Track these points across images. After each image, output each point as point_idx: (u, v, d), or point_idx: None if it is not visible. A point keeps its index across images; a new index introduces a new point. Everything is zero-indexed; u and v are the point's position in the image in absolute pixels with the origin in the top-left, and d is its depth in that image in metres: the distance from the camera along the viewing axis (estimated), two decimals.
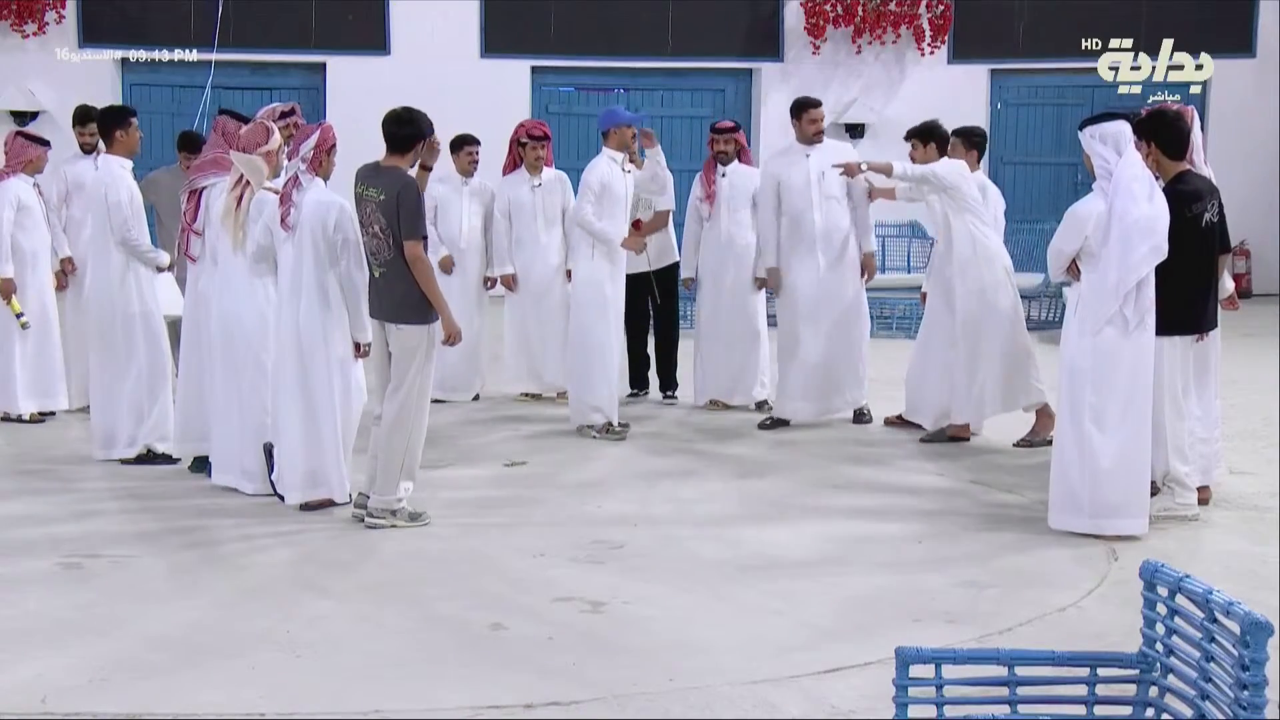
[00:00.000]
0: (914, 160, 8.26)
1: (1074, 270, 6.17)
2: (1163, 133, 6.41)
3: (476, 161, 9.61)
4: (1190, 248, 6.24)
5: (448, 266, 9.29)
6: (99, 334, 7.53)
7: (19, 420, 8.58)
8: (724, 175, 9.15)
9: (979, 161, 8.45)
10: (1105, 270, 5.98)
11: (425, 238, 6.16)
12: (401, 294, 6.12)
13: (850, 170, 8.38)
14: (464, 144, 9.63)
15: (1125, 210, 5.94)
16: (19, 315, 8.49)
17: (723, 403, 9.25)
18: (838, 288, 8.59)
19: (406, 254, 6.07)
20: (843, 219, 8.57)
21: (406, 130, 6.20)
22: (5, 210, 8.46)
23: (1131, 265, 5.94)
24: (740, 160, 9.22)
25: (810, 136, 8.65)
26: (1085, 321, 6.05)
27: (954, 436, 8.22)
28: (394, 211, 6.05)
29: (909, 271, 14.13)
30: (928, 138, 8.28)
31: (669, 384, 9.63)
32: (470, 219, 9.55)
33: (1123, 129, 6.05)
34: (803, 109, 8.73)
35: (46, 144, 8.82)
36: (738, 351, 9.17)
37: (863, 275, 8.67)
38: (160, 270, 7.66)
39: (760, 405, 9.20)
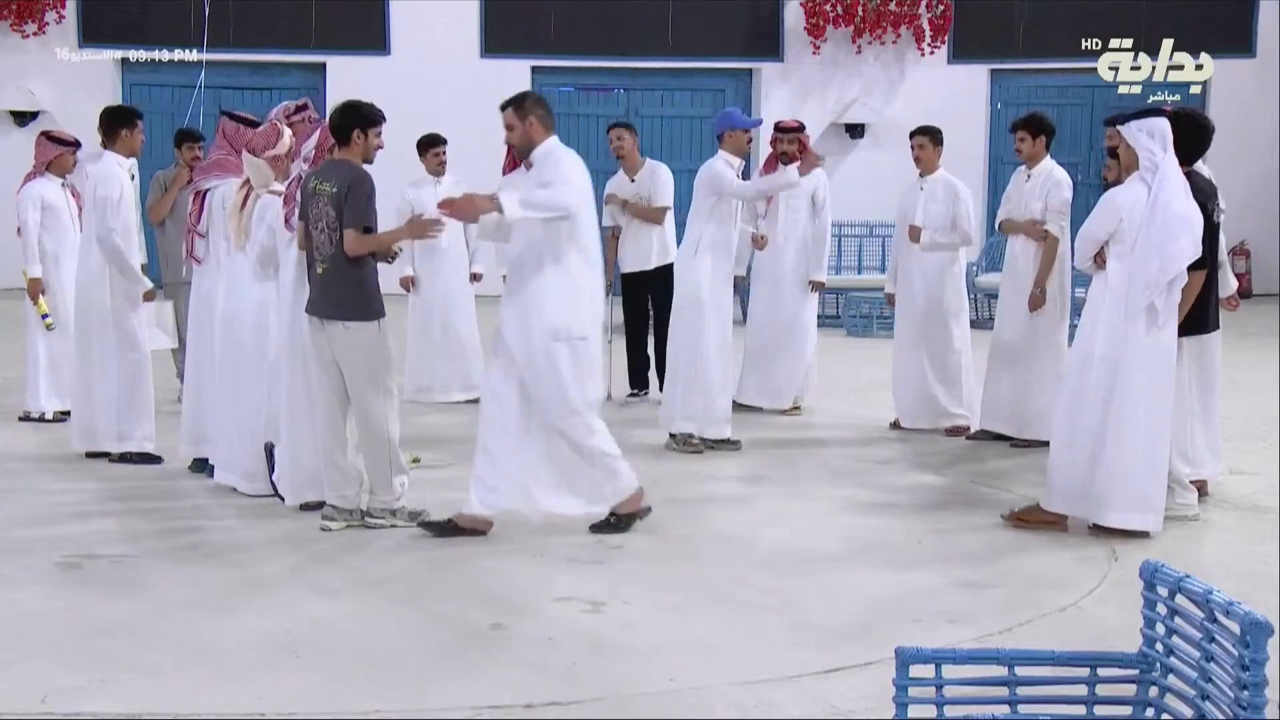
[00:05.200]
0: (1020, 152, 8.18)
1: (1099, 261, 6.14)
2: (1190, 134, 6.34)
3: (444, 162, 9.61)
4: (1213, 248, 6.32)
5: (406, 285, 9.42)
6: (78, 329, 7.54)
7: (40, 419, 8.61)
8: None
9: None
10: (1146, 258, 5.92)
11: (368, 229, 5.97)
12: (345, 290, 6.00)
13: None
14: (430, 145, 9.63)
15: (1170, 200, 5.92)
16: (44, 316, 8.48)
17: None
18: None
19: (345, 242, 5.94)
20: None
21: (340, 121, 6.13)
22: (30, 211, 8.43)
23: (1173, 255, 5.90)
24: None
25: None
26: (1115, 309, 5.99)
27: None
28: (343, 203, 5.97)
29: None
30: (1038, 130, 8.13)
31: None
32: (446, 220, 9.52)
33: (1168, 126, 6.04)
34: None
35: (70, 144, 8.63)
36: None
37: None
38: (145, 298, 7.48)
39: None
